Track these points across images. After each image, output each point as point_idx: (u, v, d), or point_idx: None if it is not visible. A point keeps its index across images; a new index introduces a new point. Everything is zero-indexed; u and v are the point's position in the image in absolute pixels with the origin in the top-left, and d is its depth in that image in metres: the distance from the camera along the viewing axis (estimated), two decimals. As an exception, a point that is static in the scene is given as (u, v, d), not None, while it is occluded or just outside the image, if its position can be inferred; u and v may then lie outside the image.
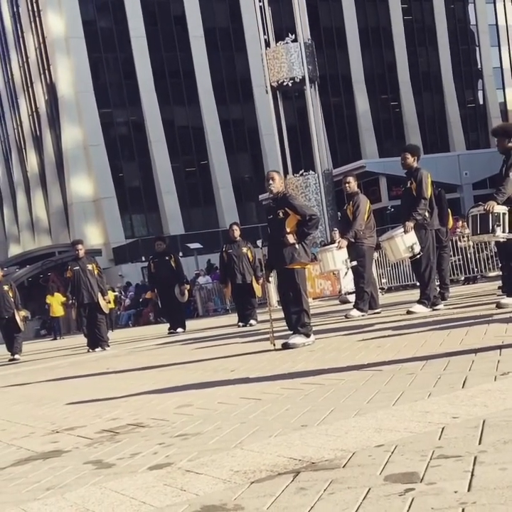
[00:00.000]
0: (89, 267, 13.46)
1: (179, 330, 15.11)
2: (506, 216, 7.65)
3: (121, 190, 51.75)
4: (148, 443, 3.76)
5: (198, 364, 7.52)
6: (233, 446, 3.37)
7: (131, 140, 52.37)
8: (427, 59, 61.41)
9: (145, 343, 13.69)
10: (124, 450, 3.68)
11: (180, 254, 31.72)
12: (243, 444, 3.36)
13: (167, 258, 15.25)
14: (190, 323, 16.38)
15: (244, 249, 13.70)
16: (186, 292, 15.72)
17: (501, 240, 7.89)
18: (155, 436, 3.92)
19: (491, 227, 7.65)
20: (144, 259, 39.28)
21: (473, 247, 15.85)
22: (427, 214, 9.43)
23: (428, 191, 9.35)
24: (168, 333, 15.09)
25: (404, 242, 9.30)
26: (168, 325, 15.87)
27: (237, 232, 13.88)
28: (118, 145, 51.92)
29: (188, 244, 40.52)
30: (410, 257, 9.58)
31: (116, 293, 30.28)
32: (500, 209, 7.65)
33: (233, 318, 14.86)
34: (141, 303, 29.98)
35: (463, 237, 16.17)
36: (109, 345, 13.50)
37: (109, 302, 16.01)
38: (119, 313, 31.73)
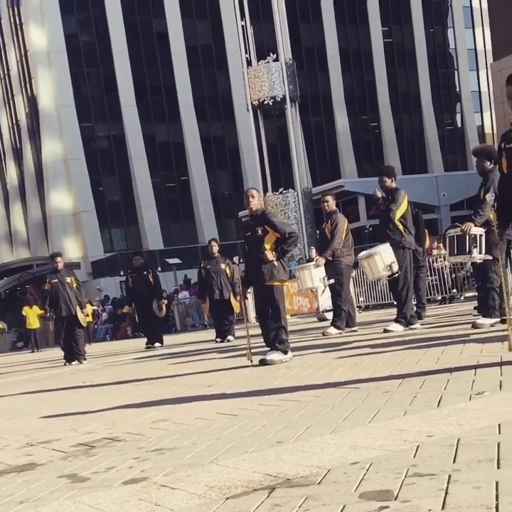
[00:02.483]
0: (68, 279, 13.38)
1: (157, 344, 15.07)
2: (483, 238, 7.73)
3: (101, 204, 51.65)
4: (124, 457, 3.74)
5: (174, 379, 7.50)
6: (209, 461, 3.36)
7: (112, 154, 52.37)
8: (406, 81, 62.19)
9: (122, 357, 13.62)
10: (99, 464, 3.65)
11: (159, 269, 31.68)
12: (219, 460, 3.36)
13: (145, 273, 15.23)
14: (167, 338, 16.33)
15: (223, 266, 13.72)
16: (164, 307, 15.70)
17: (478, 261, 7.97)
18: (130, 451, 3.90)
19: (467, 249, 7.73)
20: (122, 273, 39.16)
21: (450, 268, 15.98)
22: (404, 234, 9.52)
23: (398, 210, 9.43)
24: (146, 348, 15.04)
25: (383, 260, 9.37)
26: (145, 339, 15.81)
27: (215, 248, 13.90)
28: (98, 159, 51.89)
29: (167, 260, 40.48)
30: (388, 276, 9.64)
31: (95, 307, 30.13)
32: (478, 231, 7.74)
33: (211, 333, 14.85)
34: (118, 317, 29.85)
35: (439, 257, 16.30)
36: (85, 359, 13.42)
37: (87, 315, 15.92)
38: (96, 326, 31.56)
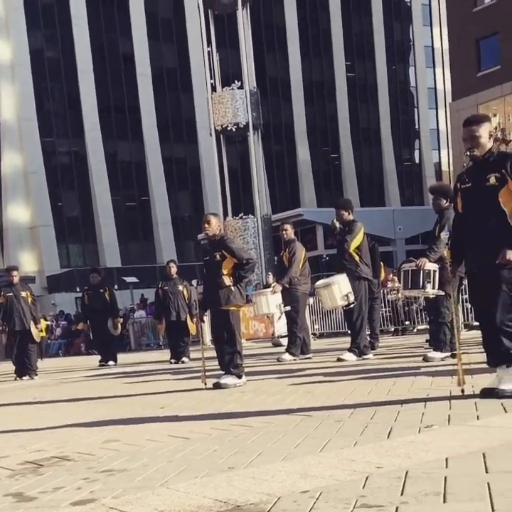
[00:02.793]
0: (23, 294, 13.21)
1: (110, 363, 14.92)
2: (437, 274, 7.89)
3: (59, 219, 51.22)
4: (73, 477, 3.70)
5: (127, 399, 7.46)
6: (159, 484, 3.36)
7: (72, 170, 52.03)
8: (367, 115, 63.34)
9: (75, 374, 13.45)
10: (47, 483, 3.61)
11: (116, 286, 31.43)
12: (169, 483, 3.36)
13: (102, 290, 15.11)
14: (122, 357, 16.18)
15: (180, 287, 13.70)
16: (119, 325, 15.58)
17: (431, 296, 8.12)
18: (80, 471, 3.87)
19: (421, 283, 7.87)
20: (78, 289, 38.75)
21: (403, 300, 16.17)
22: (360, 264, 9.64)
23: (353, 241, 9.56)
24: (99, 366, 14.88)
25: (340, 290, 9.46)
26: (99, 357, 15.66)
27: (173, 270, 13.89)
28: (58, 174, 51.51)
29: (124, 278, 40.18)
30: (344, 306, 9.74)
31: (49, 322, 29.70)
32: (432, 266, 7.89)
33: (166, 354, 14.77)
34: (72, 333, 29.47)
35: (393, 289, 16.52)
36: (37, 374, 13.22)
37: (41, 331, 15.70)
38: (49, 341, 31.11)
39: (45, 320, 25.59)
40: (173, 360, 13.39)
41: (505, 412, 4.43)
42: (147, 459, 4.03)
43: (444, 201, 8.14)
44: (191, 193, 56.31)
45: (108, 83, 52.91)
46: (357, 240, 9.62)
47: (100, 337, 15.24)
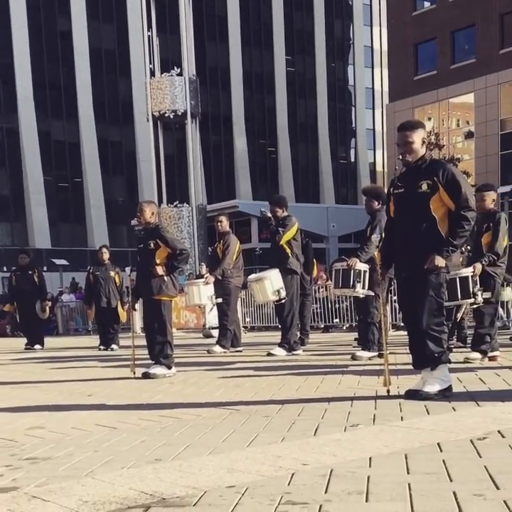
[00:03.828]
0: None
1: (37, 347, 14.65)
2: (367, 274, 8.04)
3: (-12, 196, 50.05)
4: (-5, 464, 3.65)
5: (53, 385, 7.35)
6: (84, 474, 3.33)
7: (4, 147, 50.75)
8: (305, 111, 63.85)
9: (-1, 356, 13.19)
10: (-32, 470, 3.55)
11: (45, 268, 30.90)
12: (95, 473, 3.34)
13: (30, 272, 14.83)
14: (49, 341, 15.91)
15: (112, 273, 13.55)
16: (47, 309, 15.32)
17: (360, 295, 8.27)
18: (2, 458, 3.81)
19: (352, 283, 8.01)
20: (5, 269, 37.93)
21: (333, 299, 16.36)
22: (291, 257, 9.73)
23: (286, 234, 9.65)
24: (25, 349, 14.60)
25: (272, 285, 9.53)
26: (25, 340, 15.37)
27: (105, 255, 13.73)
28: (-12, 150, 50.31)
29: (54, 260, 39.53)
30: (276, 301, 9.81)
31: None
32: (362, 267, 8.04)
33: (94, 340, 14.61)
34: (-2, 314, 28.81)
35: (322, 287, 16.71)
36: None
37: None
38: (-28, 322, 30.33)
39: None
40: (102, 347, 13.25)
41: (428, 413, 4.55)
42: (73, 447, 4.00)
43: (376, 203, 8.30)
44: (126, 177, 55.72)
45: (44, 60, 51.77)
46: (290, 233, 9.71)
47: (27, 320, 14.97)
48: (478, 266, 7.42)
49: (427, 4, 38.36)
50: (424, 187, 5.17)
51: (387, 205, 5.61)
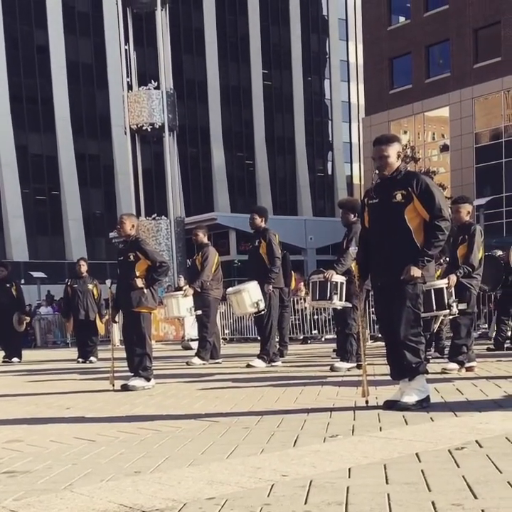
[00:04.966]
0: None
1: (14, 359, 14.54)
2: (344, 286, 8.08)
3: (-35, 208, 49.66)
4: (-27, 478, 3.62)
5: (31, 398, 7.31)
6: (63, 487, 3.32)
7: (-20, 160, 50.48)
8: (282, 124, 64.17)
9: (-25, 370, 13.05)
10: None
11: (22, 281, 30.69)
12: (73, 487, 3.33)
13: (8, 285, 14.72)
14: (26, 353, 15.78)
15: (90, 286, 13.52)
16: (24, 322, 15.21)
17: (338, 307, 8.31)
18: (-20, 472, 3.79)
19: (329, 295, 8.04)
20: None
21: (311, 310, 16.40)
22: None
23: (279, 251, 9.75)
24: (2, 362, 14.47)
25: (250, 297, 9.54)
26: (2, 353, 15.24)
27: (84, 268, 13.69)
28: (-34, 162, 49.94)
29: (32, 273, 39.27)
30: (254, 313, 9.83)
31: None
32: (339, 279, 8.07)
33: (73, 352, 14.53)
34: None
35: (300, 299, 16.76)
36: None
37: None
38: None
39: None
40: (80, 360, 13.19)
41: (406, 424, 4.58)
42: (51, 460, 3.98)
43: (352, 216, 8.37)
44: (104, 190, 55.55)
45: (21, 73, 51.48)
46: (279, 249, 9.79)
47: (4, 332, 14.85)
48: (453, 277, 7.49)
49: (401, 19, 38.73)
50: (399, 197, 5.20)
51: (362, 216, 5.64)
